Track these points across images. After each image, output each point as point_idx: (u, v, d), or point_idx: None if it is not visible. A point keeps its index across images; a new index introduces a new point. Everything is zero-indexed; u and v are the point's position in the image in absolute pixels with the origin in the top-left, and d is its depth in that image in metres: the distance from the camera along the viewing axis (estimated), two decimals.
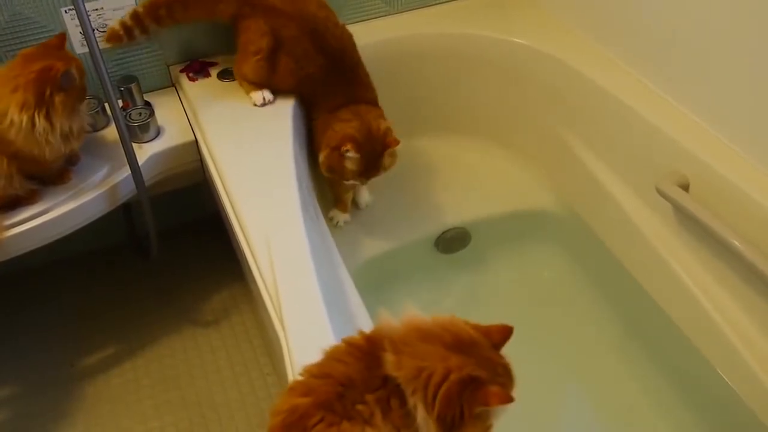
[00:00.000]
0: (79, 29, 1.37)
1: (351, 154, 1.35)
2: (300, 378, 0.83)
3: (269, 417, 0.81)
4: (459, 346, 0.81)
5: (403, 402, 0.79)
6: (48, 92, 1.21)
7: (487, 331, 0.87)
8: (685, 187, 1.31)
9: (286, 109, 1.46)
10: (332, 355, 0.84)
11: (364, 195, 1.64)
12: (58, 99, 1.22)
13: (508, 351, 1.37)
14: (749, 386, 1.26)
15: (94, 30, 1.28)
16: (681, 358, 1.41)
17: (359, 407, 0.79)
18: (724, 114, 1.30)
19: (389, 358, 0.80)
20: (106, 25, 1.47)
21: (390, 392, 0.80)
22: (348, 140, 1.34)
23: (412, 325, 0.84)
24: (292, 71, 1.44)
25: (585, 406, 1.44)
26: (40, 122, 1.21)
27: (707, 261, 1.32)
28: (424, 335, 0.82)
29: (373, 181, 1.46)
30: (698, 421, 1.36)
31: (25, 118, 1.20)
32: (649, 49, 1.45)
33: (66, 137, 1.27)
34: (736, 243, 1.19)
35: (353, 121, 1.38)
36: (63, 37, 1.27)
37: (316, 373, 0.83)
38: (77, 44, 1.46)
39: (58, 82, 1.21)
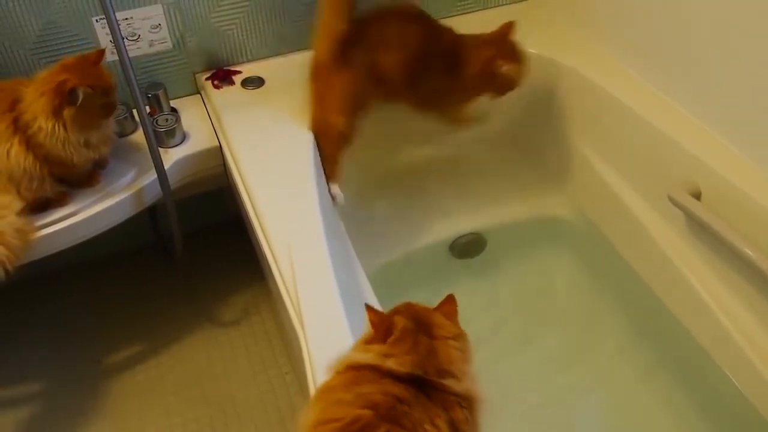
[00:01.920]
0: (110, 38, 1.41)
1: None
2: (346, 394, 0.82)
3: (311, 428, 0.81)
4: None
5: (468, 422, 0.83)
6: (59, 104, 1.24)
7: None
8: (697, 196, 1.33)
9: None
10: (376, 379, 0.84)
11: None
12: (67, 113, 1.25)
13: (522, 355, 1.41)
14: (760, 392, 1.27)
15: (123, 38, 1.31)
16: (693, 364, 1.43)
17: (427, 427, 0.79)
18: (736, 123, 1.32)
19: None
20: (135, 33, 1.52)
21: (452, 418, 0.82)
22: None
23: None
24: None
25: (595, 410, 1.46)
26: (59, 130, 1.26)
27: (719, 269, 1.34)
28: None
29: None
30: (709, 427, 1.38)
31: (50, 124, 1.24)
32: (662, 60, 1.47)
33: (87, 146, 1.31)
34: (748, 251, 1.20)
35: None
36: (102, 53, 1.31)
37: (372, 390, 0.82)
38: (107, 52, 1.50)
39: (66, 96, 1.24)
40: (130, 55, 1.34)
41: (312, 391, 0.99)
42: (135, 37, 1.53)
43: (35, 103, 1.24)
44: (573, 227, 1.72)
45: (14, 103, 1.26)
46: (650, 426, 1.42)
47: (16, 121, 1.26)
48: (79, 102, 1.25)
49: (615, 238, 1.62)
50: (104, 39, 1.50)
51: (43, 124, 1.24)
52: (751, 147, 1.30)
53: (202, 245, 1.88)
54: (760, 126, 1.27)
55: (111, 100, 1.32)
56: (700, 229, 1.35)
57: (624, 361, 1.51)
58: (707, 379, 1.39)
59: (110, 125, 1.38)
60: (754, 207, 1.23)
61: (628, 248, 1.58)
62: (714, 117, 1.37)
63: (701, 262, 1.38)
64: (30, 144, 1.27)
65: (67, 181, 1.38)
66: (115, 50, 1.31)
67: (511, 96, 1.76)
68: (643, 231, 1.49)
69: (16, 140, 1.26)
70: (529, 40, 1.69)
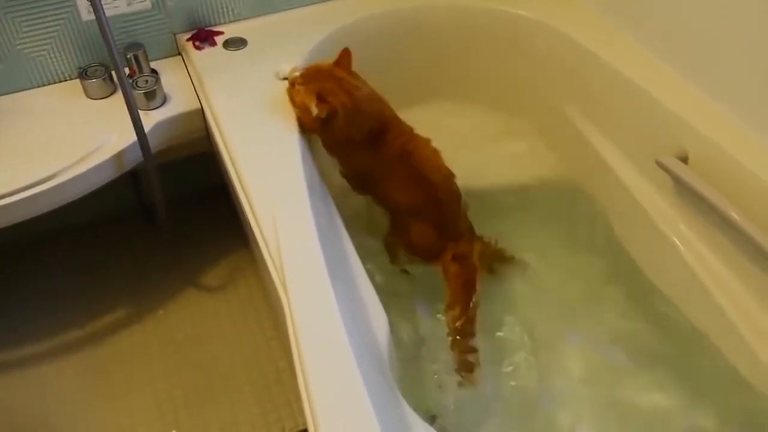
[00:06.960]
0: None
1: None
2: None
3: None
4: None
5: None
6: None
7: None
8: (684, 160, 1.32)
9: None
10: None
11: None
12: None
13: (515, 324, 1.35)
14: (745, 359, 1.27)
15: None
16: (670, 322, 1.42)
17: None
18: (724, 86, 1.31)
19: None
20: None
21: None
22: None
23: None
24: None
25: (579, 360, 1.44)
26: None
27: (706, 234, 1.34)
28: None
29: None
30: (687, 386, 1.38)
31: None
32: (652, 22, 1.45)
33: None
34: (734, 215, 1.20)
35: None
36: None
37: None
38: (84, 12, 1.46)
39: None
40: (108, 14, 1.31)
41: (296, 356, 0.98)
42: None
43: None
44: (561, 192, 1.70)
45: None
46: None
47: None
48: None
49: (604, 204, 1.60)
50: None
51: None
52: (739, 110, 1.28)
53: (187, 210, 1.85)
54: (749, 89, 1.25)
55: None
56: (687, 193, 1.34)
57: (611, 314, 1.48)
58: (688, 342, 1.39)
59: None
60: (740, 171, 1.22)
61: (616, 213, 1.57)
62: (703, 79, 1.35)
63: (686, 225, 1.38)
64: None
65: None
66: (91, 10, 1.27)
67: (501, 59, 1.74)
68: (630, 196, 1.47)
69: None
70: (519, 4, 1.67)
